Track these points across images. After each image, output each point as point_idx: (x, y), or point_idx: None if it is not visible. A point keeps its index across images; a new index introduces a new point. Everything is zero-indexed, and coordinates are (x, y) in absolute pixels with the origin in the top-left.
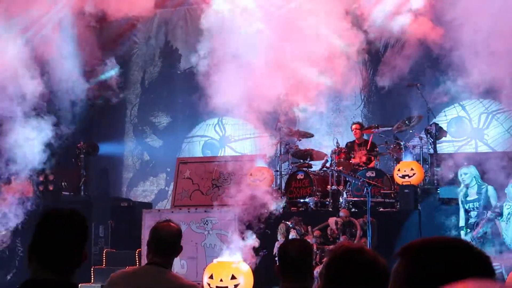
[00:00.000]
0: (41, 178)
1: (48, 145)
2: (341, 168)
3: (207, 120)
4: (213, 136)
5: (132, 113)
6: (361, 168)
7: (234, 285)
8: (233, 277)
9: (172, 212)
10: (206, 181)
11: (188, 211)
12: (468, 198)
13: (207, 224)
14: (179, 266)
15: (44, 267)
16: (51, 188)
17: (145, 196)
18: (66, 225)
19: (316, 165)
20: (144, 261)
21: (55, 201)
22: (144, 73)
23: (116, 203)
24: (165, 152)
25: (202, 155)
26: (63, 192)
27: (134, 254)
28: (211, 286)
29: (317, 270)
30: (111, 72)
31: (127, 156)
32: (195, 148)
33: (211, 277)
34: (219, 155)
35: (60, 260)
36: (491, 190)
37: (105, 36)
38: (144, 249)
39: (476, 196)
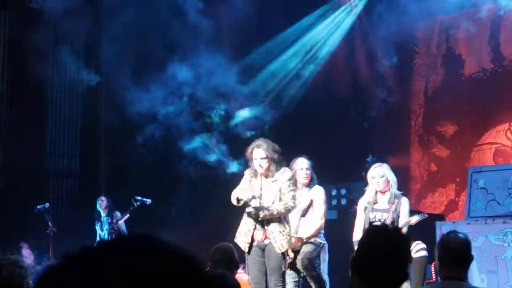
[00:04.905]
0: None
1: None
2: None
3: (497, 126)
4: (505, 142)
5: (417, 123)
6: None
7: None
8: None
9: (468, 223)
10: (502, 190)
11: (485, 222)
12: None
13: (506, 236)
14: (478, 280)
15: (363, 281)
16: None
17: (435, 207)
18: (385, 243)
19: None
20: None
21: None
22: (427, 82)
23: None
24: (453, 161)
25: (493, 163)
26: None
27: (430, 267)
28: None
29: None
30: None
31: (414, 167)
32: (485, 156)
33: None
34: None
35: (377, 276)
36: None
37: None
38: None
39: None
